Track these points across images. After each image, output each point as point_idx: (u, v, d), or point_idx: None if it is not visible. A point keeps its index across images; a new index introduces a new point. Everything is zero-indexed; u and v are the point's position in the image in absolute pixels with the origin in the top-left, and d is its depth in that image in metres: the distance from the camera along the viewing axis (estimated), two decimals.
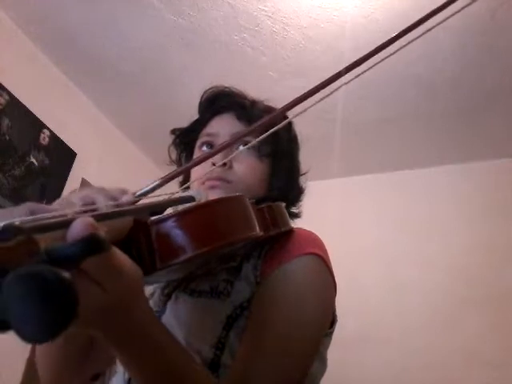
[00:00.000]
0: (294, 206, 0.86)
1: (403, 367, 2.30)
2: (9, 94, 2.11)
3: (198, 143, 0.85)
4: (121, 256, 0.40)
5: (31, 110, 2.21)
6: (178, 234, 0.46)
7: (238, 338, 0.62)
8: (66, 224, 0.34)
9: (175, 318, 0.67)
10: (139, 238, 0.46)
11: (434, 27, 0.58)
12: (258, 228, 0.56)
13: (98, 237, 0.31)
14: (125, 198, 0.47)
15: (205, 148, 0.83)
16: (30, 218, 0.36)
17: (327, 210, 2.64)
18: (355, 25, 2.00)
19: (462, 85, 2.25)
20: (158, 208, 0.50)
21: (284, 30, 2.08)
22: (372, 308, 2.50)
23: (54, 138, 2.34)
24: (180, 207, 0.54)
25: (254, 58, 2.23)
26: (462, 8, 0.57)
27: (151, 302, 0.73)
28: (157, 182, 0.57)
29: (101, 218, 0.39)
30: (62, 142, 2.39)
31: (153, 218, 0.48)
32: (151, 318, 0.47)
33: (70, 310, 0.26)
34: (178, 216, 0.47)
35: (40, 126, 2.27)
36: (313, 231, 0.74)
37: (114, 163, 2.76)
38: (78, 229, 0.34)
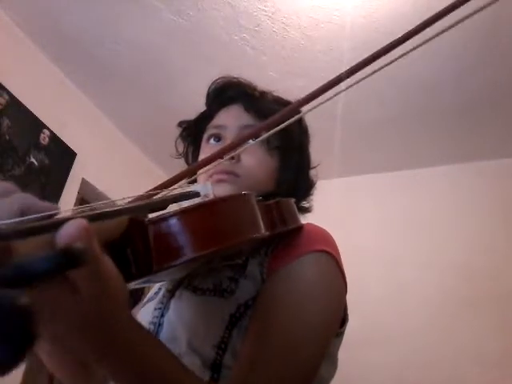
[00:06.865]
0: (305, 201, 0.83)
1: (404, 367, 2.30)
2: (9, 94, 2.11)
3: (205, 136, 0.82)
4: (108, 264, 0.36)
5: (31, 110, 2.21)
6: (178, 235, 0.43)
7: (241, 337, 0.59)
8: (54, 226, 0.31)
9: (178, 317, 0.65)
10: (135, 238, 0.43)
11: (435, 36, 0.54)
12: (263, 228, 0.52)
13: (76, 251, 0.27)
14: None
15: (212, 141, 0.79)
16: (15, 220, 0.33)
17: (327, 210, 2.63)
18: (355, 25, 2.00)
19: (462, 85, 2.25)
20: (159, 205, 0.47)
21: (284, 30, 2.07)
22: (373, 308, 2.50)
23: (54, 138, 2.34)
24: (183, 204, 0.51)
25: (254, 58, 2.23)
26: (465, 17, 0.54)
27: (156, 300, 0.71)
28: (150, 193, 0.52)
29: (94, 218, 0.36)
30: (62, 142, 2.39)
31: (151, 216, 0.45)
32: (136, 331, 0.43)
33: (22, 342, 0.23)
34: (178, 215, 0.44)
35: (40, 125, 2.27)
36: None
37: (114, 163, 2.76)
38: (67, 233, 0.31)
